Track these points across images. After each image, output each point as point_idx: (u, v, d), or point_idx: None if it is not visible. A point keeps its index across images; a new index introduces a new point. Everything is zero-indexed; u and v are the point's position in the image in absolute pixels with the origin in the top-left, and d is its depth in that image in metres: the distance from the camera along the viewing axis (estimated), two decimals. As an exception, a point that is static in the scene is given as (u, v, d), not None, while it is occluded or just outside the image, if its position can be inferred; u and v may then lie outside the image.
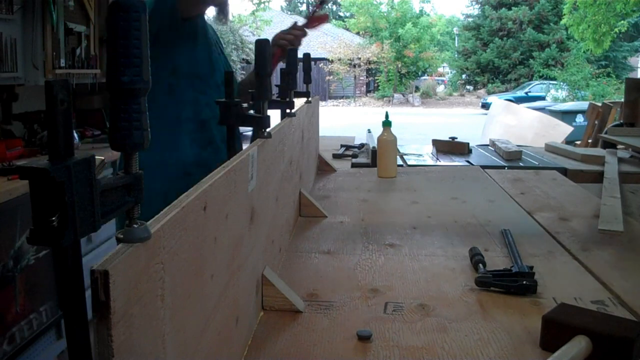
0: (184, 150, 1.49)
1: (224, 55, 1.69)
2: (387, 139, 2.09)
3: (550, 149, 2.92)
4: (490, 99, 16.30)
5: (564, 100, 17.26)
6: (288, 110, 1.40)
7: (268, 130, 1.05)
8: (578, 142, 5.24)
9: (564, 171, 2.37)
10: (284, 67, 1.45)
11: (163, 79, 1.51)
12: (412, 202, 1.73)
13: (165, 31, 1.40)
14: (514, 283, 1.05)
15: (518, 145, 2.98)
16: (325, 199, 1.78)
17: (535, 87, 21.26)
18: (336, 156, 2.67)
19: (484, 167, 2.38)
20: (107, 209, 0.43)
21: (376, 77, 26.83)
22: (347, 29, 28.93)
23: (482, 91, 26.59)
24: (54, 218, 0.38)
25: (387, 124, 2.12)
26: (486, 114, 9.48)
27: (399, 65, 26.16)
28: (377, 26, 26.69)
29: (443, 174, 2.19)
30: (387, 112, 2.22)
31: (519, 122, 6.75)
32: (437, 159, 2.55)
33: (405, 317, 0.96)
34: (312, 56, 1.86)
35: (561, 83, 20.93)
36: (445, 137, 2.98)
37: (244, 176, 0.83)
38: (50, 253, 2.36)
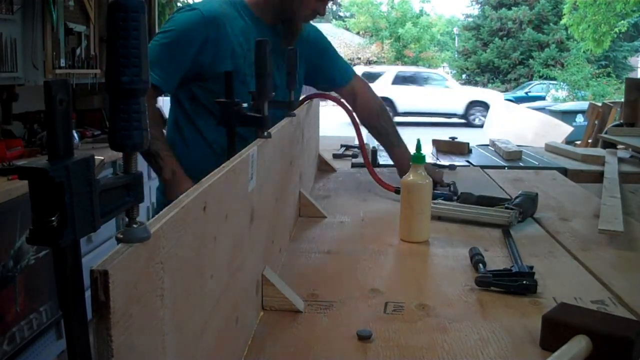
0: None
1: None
2: (417, 183, 1.35)
3: (550, 149, 2.92)
4: (491, 98, 16.27)
5: (564, 100, 17.26)
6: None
7: (268, 130, 1.05)
8: (578, 142, 5.23)
9: (564, 171, 2.37)
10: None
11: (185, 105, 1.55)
12: (412, 202, 1.73)
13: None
14: (514, 283, 1.05)
15: (518, 145, 2.98)
16: (325, 199, 1.78)
17: (535, 87, 21.23)
18: (336, 156, 2.67)
19: (484, 167, 2.37)
20: (106, 209, 0.43)
21: (376, 77, 26.79)
22: (347, 29, 28.92)
23: (482, 91, 26.54)
24: (53, 218, 0.38)
25: (418, 159, 1.36)
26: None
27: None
28: (377, 26, 26.69)
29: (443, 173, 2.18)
30: (418, 141, 1.38)
31: (519, 122, 6.76)
32: (437, 159, 2.55)
33: (405, 317, 0.96)
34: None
35: (561, 83, 20.92)
36: (445, 137, 2.98)
37: (244, 176, 0.83)
38: (50, 253, 2.37)
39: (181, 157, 1.58)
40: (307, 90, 1.89)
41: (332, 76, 1.84)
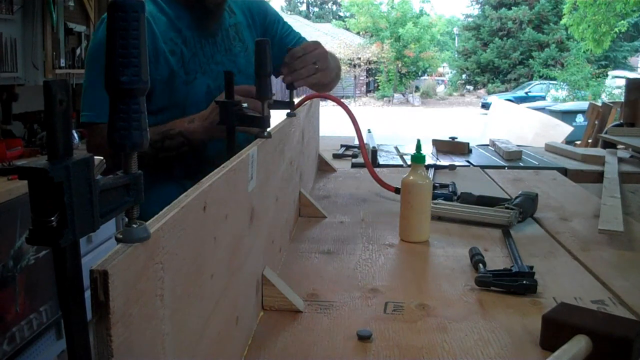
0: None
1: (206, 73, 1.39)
2: (417, 183, 1.35)
3: (550, 149, 2.92)
4: (490, 99, 16.29)
5: (564, 100, 17.27)
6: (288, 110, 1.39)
7: (268, 130, 1.05)
8: (578, 142, 5.23)
9: (564, 171, 2.37)
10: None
11: None
12: (412, 202, 1.73)
13: None
14: (514, 283, 1.05)
15: (518, 145, 2.98)
16: (325, 199, 1.78)
17: (535, 87, 21.26)
18: (336, 156, 2.67)
19: (484, 167, 2.38)
20: (106, 209, 0.43)
21: (376, 77, 26.85)
22: (348, 29, 28.94)
23: (482, 91, 26.61)
24: (52, 218, 0.38)
25: (418, 159, 1.36)
26: (486, 114, 9.49)
27: (399, 65, 26.17)
28: (377, 26, 26.71)
29: (443, 174, 2.18)
30: (419, 141, 1.37)
31: (519, 122, 6.75)
32: (437, 159, 2.55)
33: (405, 317, 0.96)
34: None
35: (561, 83, 20.94)
36: (445, 137, 2.98)
37: (244, 176, 0.83)
38: (50, 253, 2.37)
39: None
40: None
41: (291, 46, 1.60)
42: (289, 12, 38.78)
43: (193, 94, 1.34)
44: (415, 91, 26.24)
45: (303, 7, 44.73)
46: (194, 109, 1.31)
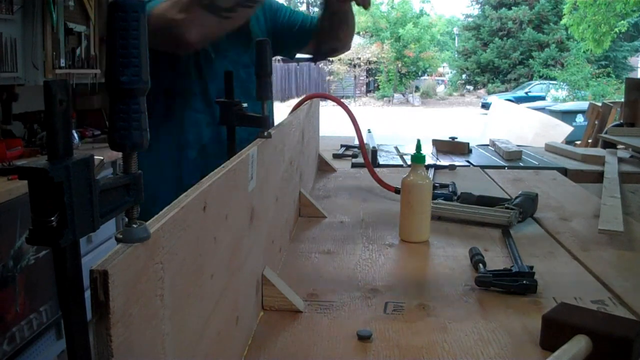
0: (184, 180, 1.38)
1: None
2: (417, 183, 1.35)
3: (550, 149, 2.92)
4: (490, 99, 16.27)
5: (564, 100, 17.27)
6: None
7: (268, 130, 1.05)
8: (578, 142, 5.23)
9: (564, 171, 2.37)
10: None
11: (159, 100, 1.42)
12: (412, 202, 1.73)
13: None
14: (514, 283, 1.05)
15: (518, 145, 2.98)
16: (325, 199, 1.78)
17: (535, 87, 21.26)
18: (336, 156, 2.67)
19: (484, 167, 2.38)
20: (106, 209, 0.43)
21: (376, 77, 26.84)
22: (347, 29, 28.85)
23: (482, 91, 26.60)
24: (52, 218, 0.38)
25: (418, 159, 1.36)
26: (486, 114, 9.48)
27: (399, 65, 26.16)
28: (377, 26, 26.69)
29: (443, 174, 2.18)
30: (419, 141, 1.37)
31: (519, 122, 6.75)
32: (437, 159, 2.55)
33: (405, 317, 0.96)
34: (312, 56, 1.82)
35: (561, 83, 20.95)
36: (445, 137, 2.98)
37: (244, 176, 0.83)
38: (50, 253, 2.37)
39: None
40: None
41: (303, 28, 1.64)
42: (289, 12, 38.73)
43: (213, 72, 1.42)
44: (415, 91, 26.24)
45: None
46: (213, 86, 1.41)
